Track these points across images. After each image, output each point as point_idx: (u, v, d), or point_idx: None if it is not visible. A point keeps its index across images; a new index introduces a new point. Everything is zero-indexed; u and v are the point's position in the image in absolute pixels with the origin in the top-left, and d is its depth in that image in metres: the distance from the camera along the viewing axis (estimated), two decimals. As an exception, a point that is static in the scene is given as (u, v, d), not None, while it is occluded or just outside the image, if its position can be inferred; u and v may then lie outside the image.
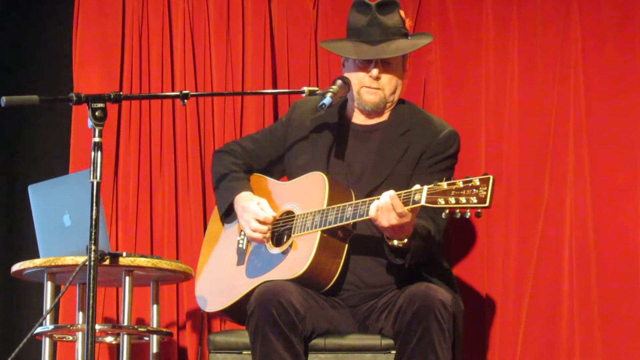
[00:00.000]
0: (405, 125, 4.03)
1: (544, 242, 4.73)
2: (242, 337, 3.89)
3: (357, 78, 4.01)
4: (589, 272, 4.65)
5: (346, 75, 4.04)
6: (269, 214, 3.94)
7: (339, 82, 3.97)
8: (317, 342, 3.79)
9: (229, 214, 4.13)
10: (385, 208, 3.61)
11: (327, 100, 3.87)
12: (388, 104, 4.05)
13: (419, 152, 3.97)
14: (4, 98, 3.41)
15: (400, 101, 4.11)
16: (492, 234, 4.81)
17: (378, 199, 3.66)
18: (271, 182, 4.17)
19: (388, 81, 4.01)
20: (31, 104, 3.45)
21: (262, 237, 3.94)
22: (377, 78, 3.99)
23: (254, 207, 3.97)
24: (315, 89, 3.95)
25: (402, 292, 3.74)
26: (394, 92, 4.03)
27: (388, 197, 3.61)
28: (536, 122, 4.82)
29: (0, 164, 5.45)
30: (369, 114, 4.06)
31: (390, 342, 3.77)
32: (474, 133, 4.86)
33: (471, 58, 4.95)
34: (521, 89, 4.85)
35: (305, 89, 3.94)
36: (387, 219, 3.62)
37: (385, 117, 4.07)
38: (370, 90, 4.00)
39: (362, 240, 3.87)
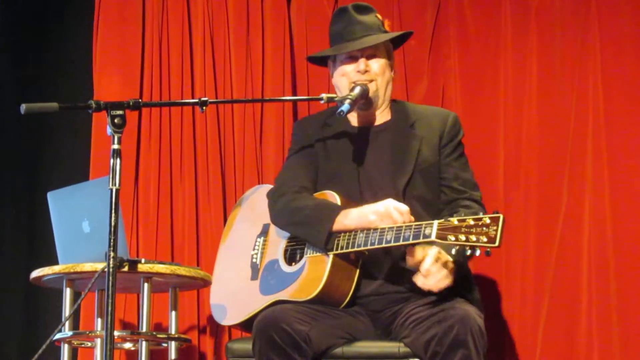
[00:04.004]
0: (410, 118, 4.01)
1: (563, 247, 4.73)
2: (261, 344, 3.88)
3: (346, 77, 3.97)
4: (607, 277, 4.63)
5: (335, 79, 4.02)
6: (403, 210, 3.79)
7: (358, 89, 3.95)
8: (335, 351, 3.77)
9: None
10: (434, 272, 3.64)
11: (346, 107, 3.85)
12: (380, 100, 4.00)
13: (437, 137, 3.96)
14: (24, 106, 3.41)
15: (394, 100, 4.09)
16: (510, 239, 4.80)
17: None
18: None
19: (381, 71, 3.97)
20: (51, 111, 3.45)
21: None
22: (366, 71, 3.95)
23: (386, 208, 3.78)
24: (334, 95, 3.94)
25: (436, 313, 3.68)
26: (386, 87, 4.00)
27: (432, 263, 3.63)
28: (554, 127, 4.81)
29: (21, 171, 5.47)
30: (373, 113, 4.03)
31: (408, 350, 3.75)
32: (493, 139, 4.86)
33: (490, 64, 4.95)
34: (539, 95, 4.84)
35: (324, 95, 3.93)
36: (442, 281, 3.66)
37: (387, 116, 4.05)
38: (363, 81, 3.96)
39: (383, 250, 3.86)
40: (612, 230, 4.65)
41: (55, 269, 4.29)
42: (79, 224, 4.30)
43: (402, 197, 3.85)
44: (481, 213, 3.53)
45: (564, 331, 4.68)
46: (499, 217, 3.41)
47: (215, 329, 5.01)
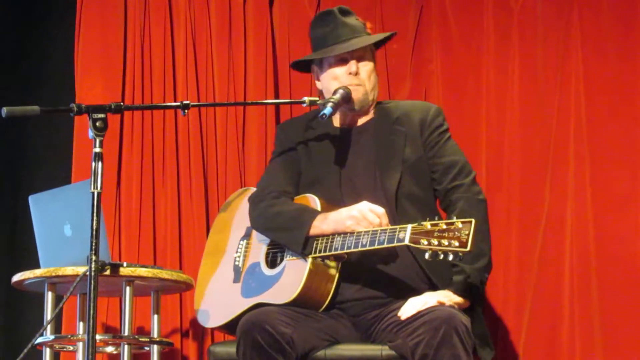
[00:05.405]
0: (393, 115, 4.00)
1: (545, 250, 4.74)
2: (243, 347, 3.87)
3: (336, 80, 3.96)
4: (589, 281, 4.64)
5: (323, 83, 4.01)
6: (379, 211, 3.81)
7: (341, 92, 3.95)
8: (317, 354, 3.77)
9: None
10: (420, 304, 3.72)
11: (328, 110, 3.86)
12: (370, 101, 4.01)
13: (417, 129, 3.95)
14: (5, 108, 3.41)
15: (379, 102, 4.09)
16: (493, 242, 4.73)
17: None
18: None
19: (367, 76, 3.97)
20: (32, 114, 3.44)
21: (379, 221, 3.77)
22: (357, 73, 3.95)
23: (362, 210, 3.79)
24: (316, 99, 3.95)
25: (421, 315, 3.69)
26: (373, 89, 4.00)
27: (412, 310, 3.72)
28: (537, 131, 4.82)
29: (1, 174, 5.45)
30: (357, 115, 4.03)
31: (392, 353, 3.75)
32: (475, 142, 4.87)
33: (472, 68, 4.96)
34: (522, 98, 4.86)
35: (306, 99, 3.94)
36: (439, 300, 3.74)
37: (371, 115, 4.04)
38: (352, 87, 3.96)
39: (364, 252, 3.85)
40: (594, 233, 4.67)
41: (37, 272, 4.27)
42: (61, 228, 4.29)
43: (394, 198, 3.86)
44: (456, 212, 3.72)
45: (546, 334, 4.69)
46: (470, 221, 3.48)
47: (198, 332, 5.00)
